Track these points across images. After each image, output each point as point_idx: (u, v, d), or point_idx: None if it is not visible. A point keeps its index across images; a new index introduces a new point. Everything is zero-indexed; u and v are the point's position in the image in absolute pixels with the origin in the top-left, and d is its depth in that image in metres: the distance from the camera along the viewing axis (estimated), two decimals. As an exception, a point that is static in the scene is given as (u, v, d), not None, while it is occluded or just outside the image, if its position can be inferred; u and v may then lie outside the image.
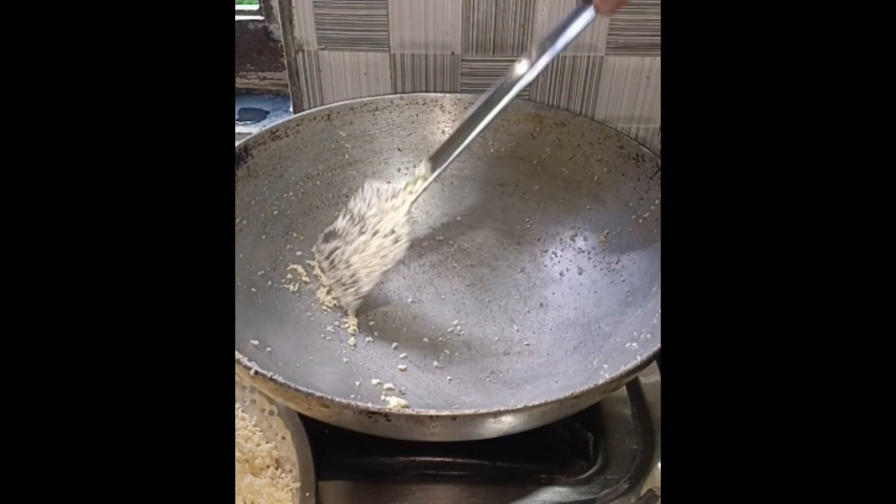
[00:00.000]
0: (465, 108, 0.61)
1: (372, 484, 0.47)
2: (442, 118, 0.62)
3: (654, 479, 0.44)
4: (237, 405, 0.50)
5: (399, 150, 0.62)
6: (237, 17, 0.72)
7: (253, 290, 0.51)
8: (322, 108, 0.59)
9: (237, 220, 0.53)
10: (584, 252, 0.57)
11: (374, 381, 0.49)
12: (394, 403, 0.46)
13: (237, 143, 0.54)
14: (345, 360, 0.51)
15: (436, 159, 0.52)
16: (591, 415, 0.50)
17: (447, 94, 0.62)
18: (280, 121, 0.57)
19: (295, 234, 0.57)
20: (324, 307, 0.54)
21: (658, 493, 0.43)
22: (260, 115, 0.75)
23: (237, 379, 0.48)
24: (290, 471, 0.46)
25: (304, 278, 0.56)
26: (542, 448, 0.49)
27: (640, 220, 0.54)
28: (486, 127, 0.50)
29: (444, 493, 0.47)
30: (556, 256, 0.58)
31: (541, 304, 0.56)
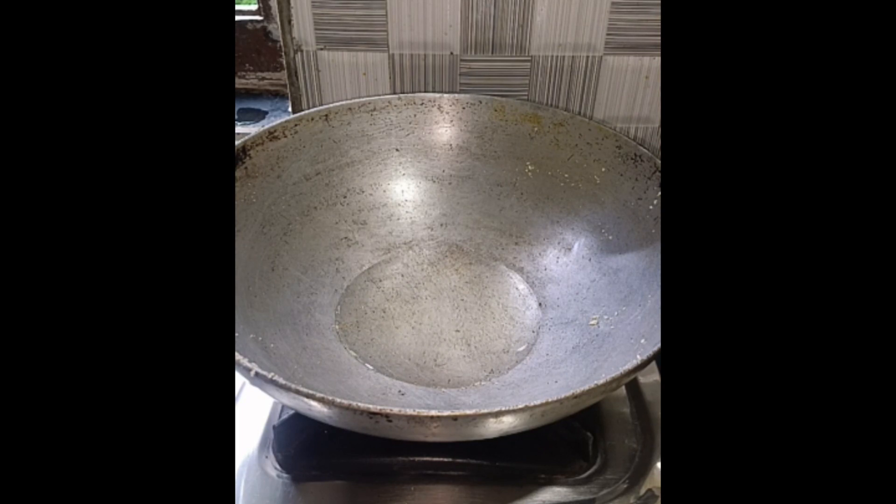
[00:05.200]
0: (464, 108, 0.61)
1: (371, 484, 0.47)
2: (440, 118, 0.62)
3: (654, 478, 0.44)
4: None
5: (397, 150, 0.62)
6: (236, 18, 0.72)
7: (252, 290, 0.51)
8: (320, 108, 0.59)
9: (235, 221, 0.53)
10: (582, 252, 0.57)
11: (374, 381, 0.49)
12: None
13: (235, 144, 0.54)
14: (344, 359, 0.51)
15: None
16: (590, 414, 0.50)
17: (445, 95, 0.62)
18: (278, 121, 0.57)
19: (293, 235, 0.57)
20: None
21: (657, 492, 0.43)
22: (258, 116, 0.75)
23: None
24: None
25: (302, 278, 0.56)
26: (542, 448, 0.49)
27: (639, 220, 0.54)
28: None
29: (444, 493, 0.47)
30: (555, 256, 0.58)
31: (540, 304, 0.56)
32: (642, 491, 0.44)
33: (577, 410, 0.41)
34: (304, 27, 0.61)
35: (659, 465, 0.45)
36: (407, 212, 0.62)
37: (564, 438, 0.49)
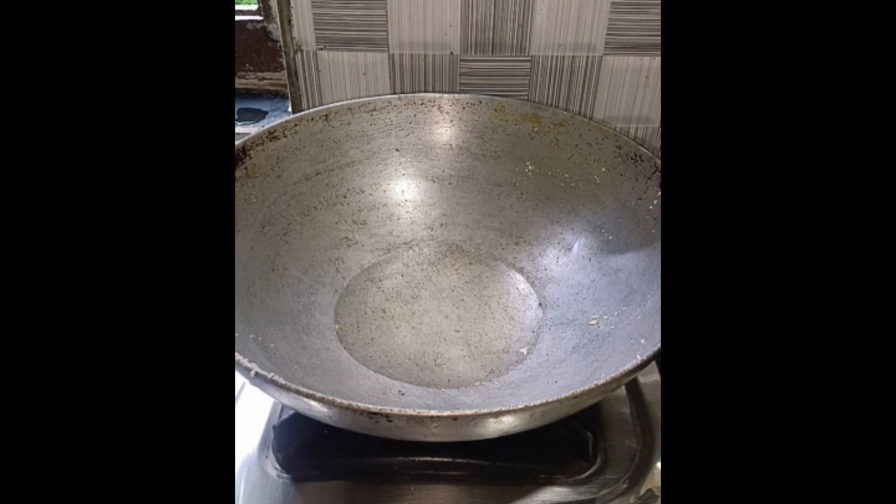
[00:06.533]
0: (464, 108, 0.61)
1: (371, 484, 0.47)
2: (440, 118, 0.62)
3: (654, 478, 0.44)
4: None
5: (397, 150, 0.62)
6: (236, 18, 0.72)
7: (252, 290, 0.51)
8: (320, 108, 0.59)
9: (235, 221, 0.53)
10: (582, 252, 0.57)
11: (374, 381, 0.49)
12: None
13: (235, 144, 0.54)
14: (344, 359, 0.51)
15: None
16: (590, 414, 0.50)
17: (445, 95, 0.62)
18: (278, 121, 0.57)
19: (293, 235, 0.57)
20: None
21: (657, 492, 0.43)
22: (258, 116, 0.75)
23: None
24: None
25: (302, 278, 0.56)
26: (542, 448, 0.49)
27: (639, 220, 0.54)
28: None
29: (444, 493, 0.47)
30: (555, 256, 0.58)
31: (540, 304, 0.56)
32: (642, 491, 0.44)
33: (577, 410, 0.41)
34: (304, 27, 0.61)
35: (659, 465, 0.45)
36: (407, 212, 0.62)
37: (564, 438, 0.49)
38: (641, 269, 0.52)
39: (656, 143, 0.68)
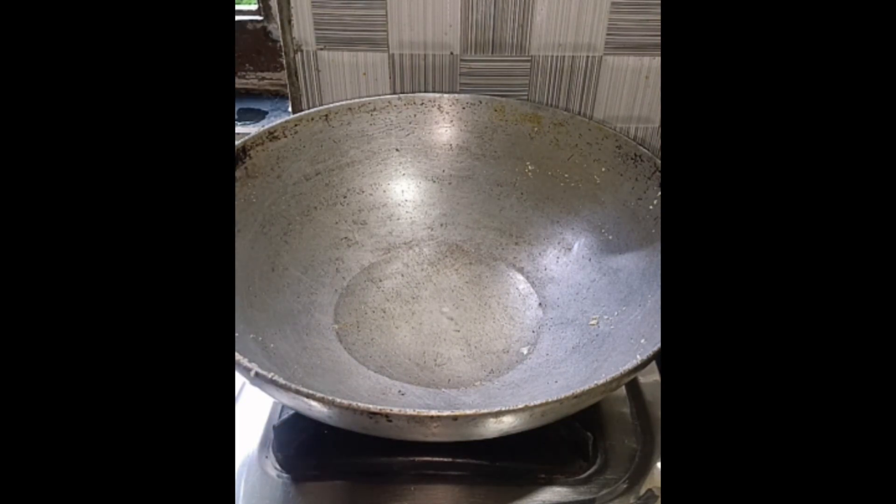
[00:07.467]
0: (464, 108, 0.61)
1: (371, 484, 0.47)
2: (440, 118, 0.62)
3: (654, 478, 0.44)
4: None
5: (397, 150, 0.62)
6: (236, 18, 0.72)
7: (252, 290, 0.51)
8: (320, 108, 0.59)
9: (235, 221, 0.53)
10: (582, 252, 0.57)
11: (374, 381, 0.49)
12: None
13: (235, 144, 0.54)
14: (344, 359, 0.51)
15: None
16: (590, 414, 0.50)
17: (445, 95, 0.62)
18: (278, 121, 0.57)
19: (293, 235, 0.57)
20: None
21: (657, 492, 0.43)
22: (258, 116, 0.75)
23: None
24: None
25: (302, 278, 0.56)
26: (542, 448, 0.49)
27: (639, 220, 0.54)
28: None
29: (444, 493, 0.47)
30: (555, 256, 0.58)
31: (539, 304, 0.56)
32: (642, 491, 0.44)
33: (577, 410, 0.41)
34: (304, 27, 0.61)
35: (659, 465, 0.45)
36: (407, 212, 0.62)
37: (564, 438, 0.49)
38: (641, 269, 0.52)
39: (656, 143, 0.68)
